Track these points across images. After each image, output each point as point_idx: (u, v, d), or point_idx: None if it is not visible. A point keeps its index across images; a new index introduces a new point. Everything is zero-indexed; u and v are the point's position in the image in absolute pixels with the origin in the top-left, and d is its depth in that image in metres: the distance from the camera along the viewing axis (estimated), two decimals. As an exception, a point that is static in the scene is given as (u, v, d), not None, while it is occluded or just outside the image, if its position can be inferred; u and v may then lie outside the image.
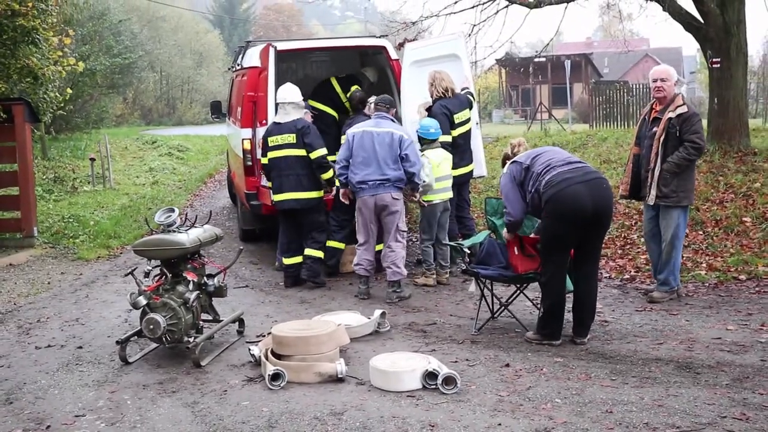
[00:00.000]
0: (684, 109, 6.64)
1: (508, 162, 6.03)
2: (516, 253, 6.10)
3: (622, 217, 9.56)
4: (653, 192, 6.76)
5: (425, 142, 7.69)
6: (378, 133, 7.30)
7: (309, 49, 10.52)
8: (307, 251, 7.87)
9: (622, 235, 9.11)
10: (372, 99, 8.15)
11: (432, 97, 8.14)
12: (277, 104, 7.99)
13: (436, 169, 7.58)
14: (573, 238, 5.58)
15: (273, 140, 7.79)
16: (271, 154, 7.83)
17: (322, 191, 7.93)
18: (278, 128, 7.79)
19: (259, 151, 8.47)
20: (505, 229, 6.14)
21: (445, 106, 7.99)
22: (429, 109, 8.10)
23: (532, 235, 6.06)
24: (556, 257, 5.64)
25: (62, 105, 13.03)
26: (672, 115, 6.69)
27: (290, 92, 7.85)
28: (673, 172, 6.66)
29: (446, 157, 7.77)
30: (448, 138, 7.95)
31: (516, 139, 6.41)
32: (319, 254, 7.93)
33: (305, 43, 10.65)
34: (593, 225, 5.54)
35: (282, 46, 9.01)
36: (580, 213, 5.45)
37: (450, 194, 7.86)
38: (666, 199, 6.75)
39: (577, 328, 5.80)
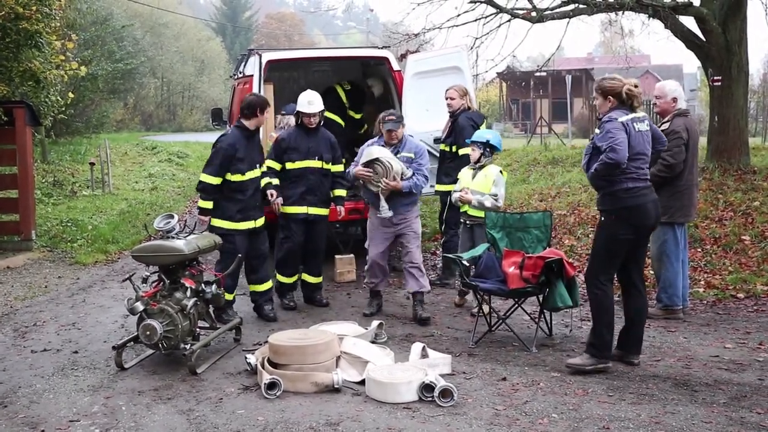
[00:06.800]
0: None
1: (627, 115, 5.32)
2: (511, 271, 6.08)
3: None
4: None
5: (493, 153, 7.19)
6: None
7: (310, 58, 10.55)
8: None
9: (621, 250, 9.10)
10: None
11: (457, 109, 7.92)
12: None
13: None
14: (627, 251, 5.50)
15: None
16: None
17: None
18: None
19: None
20: (596, 167, 5.31)
21: (471, 118, 7.84)
22: (454, 122, 7.94)
23: (535, 255, 6.04)
24: (611, 269, 5.51)
25: (63, 109, 13.04)
26: None
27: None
28: None
29: None
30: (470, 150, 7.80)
31: (634, 83, 5.47)
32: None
33: (306, 53, 10.67)
34: (644, 239, 5.59)
35: (279, 55, 9.04)
36: (646, 228, 5.48)
37: None
38: None
39: (635, 346, 5.62)
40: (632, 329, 5.61)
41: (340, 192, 7.61)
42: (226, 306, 6.78)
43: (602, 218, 5.51)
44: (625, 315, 5.67)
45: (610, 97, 5.43)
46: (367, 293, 7.48)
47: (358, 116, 9.65)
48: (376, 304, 7.32)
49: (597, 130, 5.45)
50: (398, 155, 6.98)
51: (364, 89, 9.76)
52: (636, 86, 5.43)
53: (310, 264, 7.55)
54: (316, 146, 7.32)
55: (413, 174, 6.93)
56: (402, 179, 6.87)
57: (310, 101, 7.26)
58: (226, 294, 6.48)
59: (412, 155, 7.02)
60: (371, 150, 6.94)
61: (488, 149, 7.00)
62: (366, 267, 7.33)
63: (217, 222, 6.82)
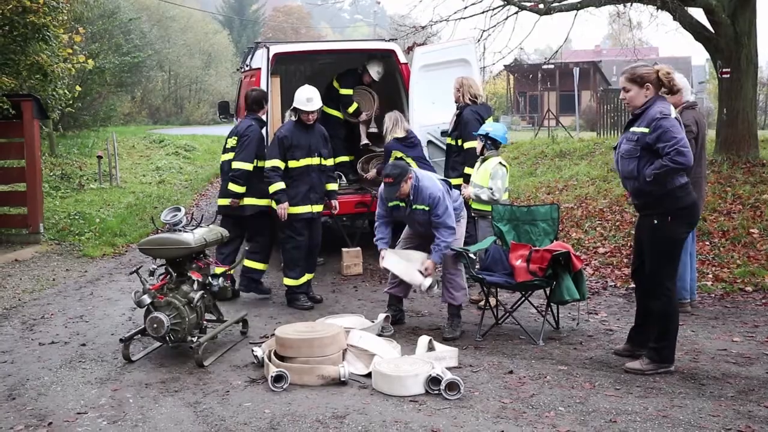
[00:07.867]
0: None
1: (671, 107, 5.04)
2: (518, 264, 6.07)
3: (628, 226, 9.53)
4: None
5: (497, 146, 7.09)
6: None
7: (317, 51, 10.53)
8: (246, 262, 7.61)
9: (628, 243, 9.07)
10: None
11: (458, 103, 7.92)
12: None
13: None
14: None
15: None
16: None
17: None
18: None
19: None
20: (654, 174, 4.93)
21: (477, 112, 7.73)
22: (458, 116, 7.89)
23: (542, 249, 6.03)
24: (675, 271, 5.33)
25: (71, 102, 13.07)
26: None
27: None
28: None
29: None
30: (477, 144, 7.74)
31: (666, 69, 5.13)
32: (258, 266, 7.60)
33: (313, 46, 10.64)
34: None
35: (287, 48, 9.03)
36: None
37: None
38: None
39: (646, 342, 5.44)
40: (644, 326, 5.53)
41: (333, 186, 7.61)
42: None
43: (655, 221, 5.10)
44: (638, 311, 5.62)
45: (648, 84, 5.02)
46: (372, 288, 7.47)
47: (345, 92, 9.57)
48: (395, 308, 6.64)
49: (643, 129, 4.97)
50: (413, 207, 6.24)
51: (356, 69, 9.73)
52: (669, 72, 5.07)
53: (308, 261, 7.45)
54: (316, 143, 7.31)
55: (435, 239, 6.18)
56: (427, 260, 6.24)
57: (309, 98, 7.20)
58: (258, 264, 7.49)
59: (427, 207, 6.20)
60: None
61: (489, 142, 7.00)
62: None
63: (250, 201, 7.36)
